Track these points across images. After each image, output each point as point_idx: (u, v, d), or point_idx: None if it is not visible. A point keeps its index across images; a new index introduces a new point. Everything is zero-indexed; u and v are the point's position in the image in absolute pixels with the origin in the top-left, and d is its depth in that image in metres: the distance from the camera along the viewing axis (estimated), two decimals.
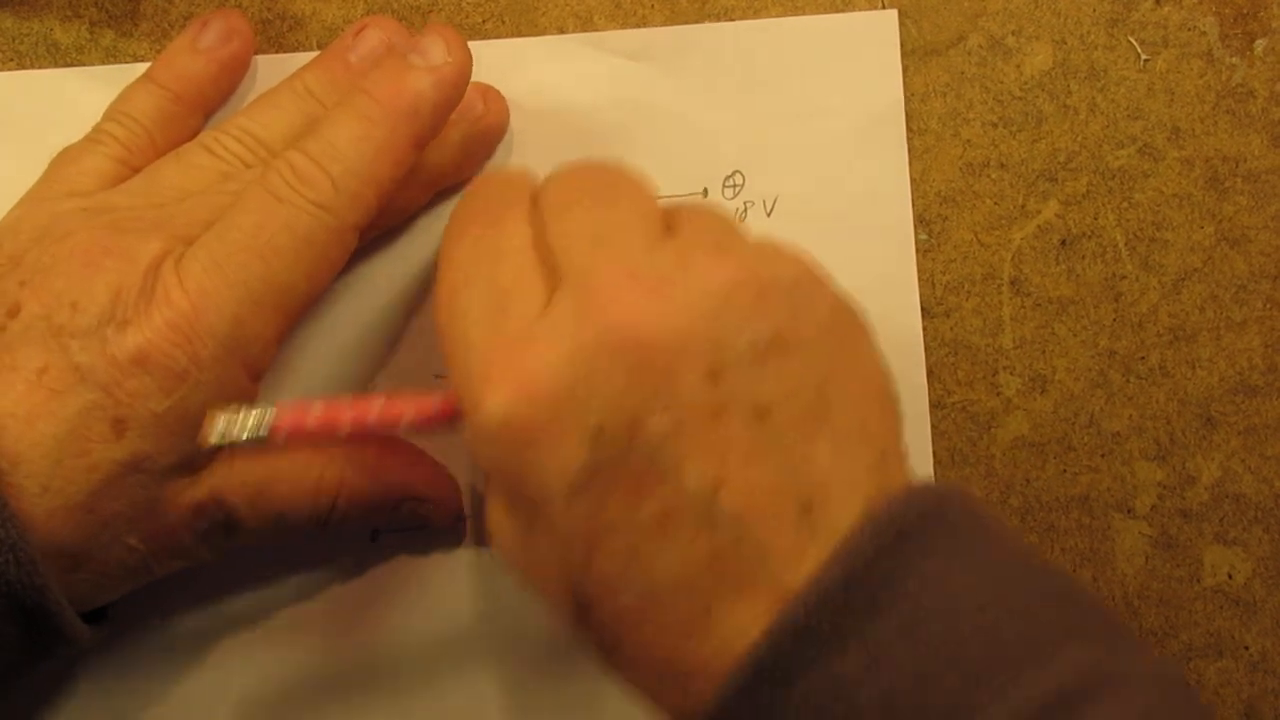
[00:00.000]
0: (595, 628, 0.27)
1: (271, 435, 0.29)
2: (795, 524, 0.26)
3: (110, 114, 0.34)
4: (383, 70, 0.32)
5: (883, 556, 0.25)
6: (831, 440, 0.27)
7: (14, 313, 0.30)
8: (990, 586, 0.26)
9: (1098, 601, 0.33)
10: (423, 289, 0.36)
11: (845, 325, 0.29)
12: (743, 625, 0.26)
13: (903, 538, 0.26)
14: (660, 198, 0.36)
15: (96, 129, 0.34)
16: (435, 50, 0.32)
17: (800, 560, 0.26)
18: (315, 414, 0.29)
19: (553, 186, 0.30)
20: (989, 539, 0.27)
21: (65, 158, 0.34)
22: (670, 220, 0.29)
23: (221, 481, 0.31)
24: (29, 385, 0.29)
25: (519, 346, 0.27)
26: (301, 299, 0.31)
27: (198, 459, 0.31)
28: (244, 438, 0.29)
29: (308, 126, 0.33)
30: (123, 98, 0.34)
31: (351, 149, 0.31)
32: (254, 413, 0.29)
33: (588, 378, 0.26)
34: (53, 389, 0.29)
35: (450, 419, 0.30)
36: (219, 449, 0.30)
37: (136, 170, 0.33)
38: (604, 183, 0.30)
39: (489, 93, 0.35)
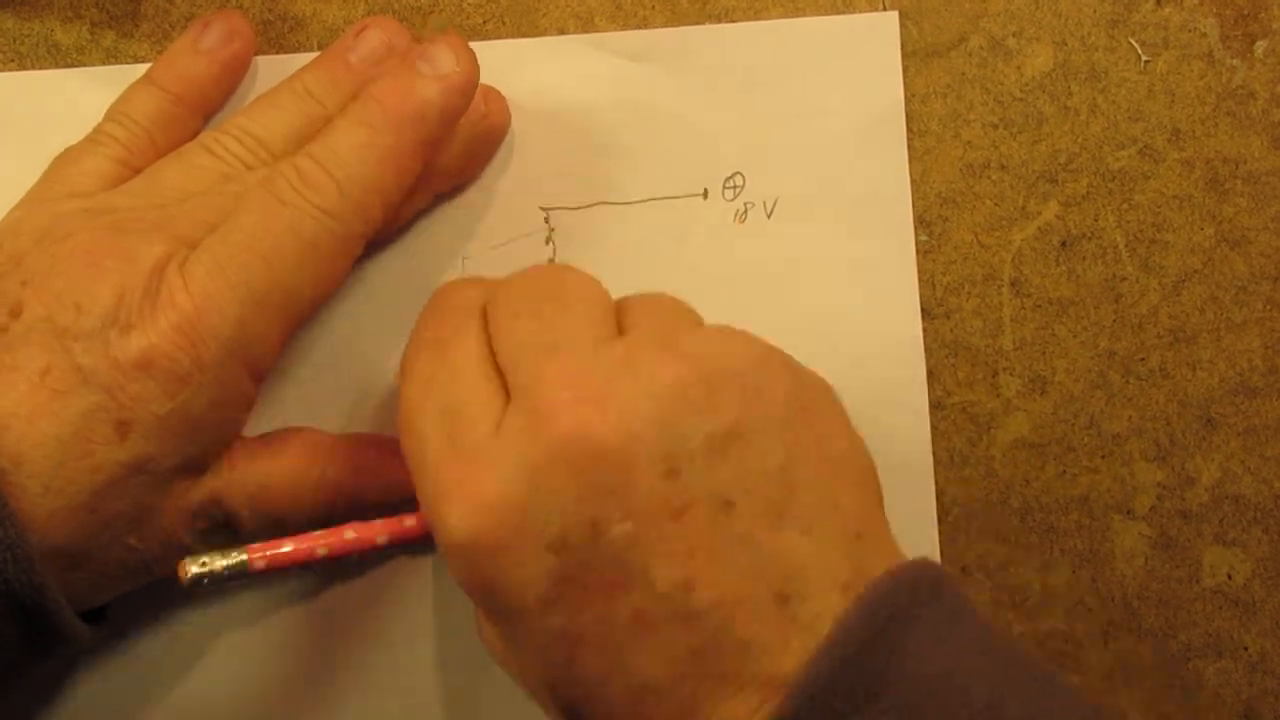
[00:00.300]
0: None
1: (247, 569, 0.29)
2: (775, 615, 0.26)
3: (111, 115, 0.34)
4: (390, 78, 0.32)
5: (876, 643, 0.25)
6: (800, 526, 0.27)
7: (16, 313, 0.29)
8: (982, 670, 0.26)
9: (1081, 692, 0.33)
10: (421, 291, 0.36)
11: (806, 405, 0.29)
12: None
13: (892, 622, 0.26)
14: (658, 199, 0.37)
15: (97, 130, 0.34)
16: (443, 59, 0.32)
17: (785, 652, 0.26)
18: (285, 552, 0.30)
19: (502, 296, 0.30)
20: (971, 621, 0.27)
21: (66, 158, 0.34)
22: (622, 315, 0.30)
23: (222, 483, 0.31)
24: (31, 386, 0.29)
25: (472, 465, 0.27)
26: (305, 303, 0.31)
27: (200, 461, 0.31)
28: (223, 573, 0.29)
29: (308, 127, 0.33)
30: (123, 99, 0.34)
31: (357, 156, 0.31)
32: (227, 560, 0.29)
33: (542, 491, 0.26)
34: (55, 390, 0.29)
35: (425, 534, 0.30)
36: (199, 581, 0.29)
37: (137, 171, 0.33)
38: (552, 287, 0.30)
39: (490, 94, 0.35)
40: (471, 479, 0.27)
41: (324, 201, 0.31)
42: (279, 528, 0.32)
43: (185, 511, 0.31)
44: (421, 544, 0.31)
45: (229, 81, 0.35)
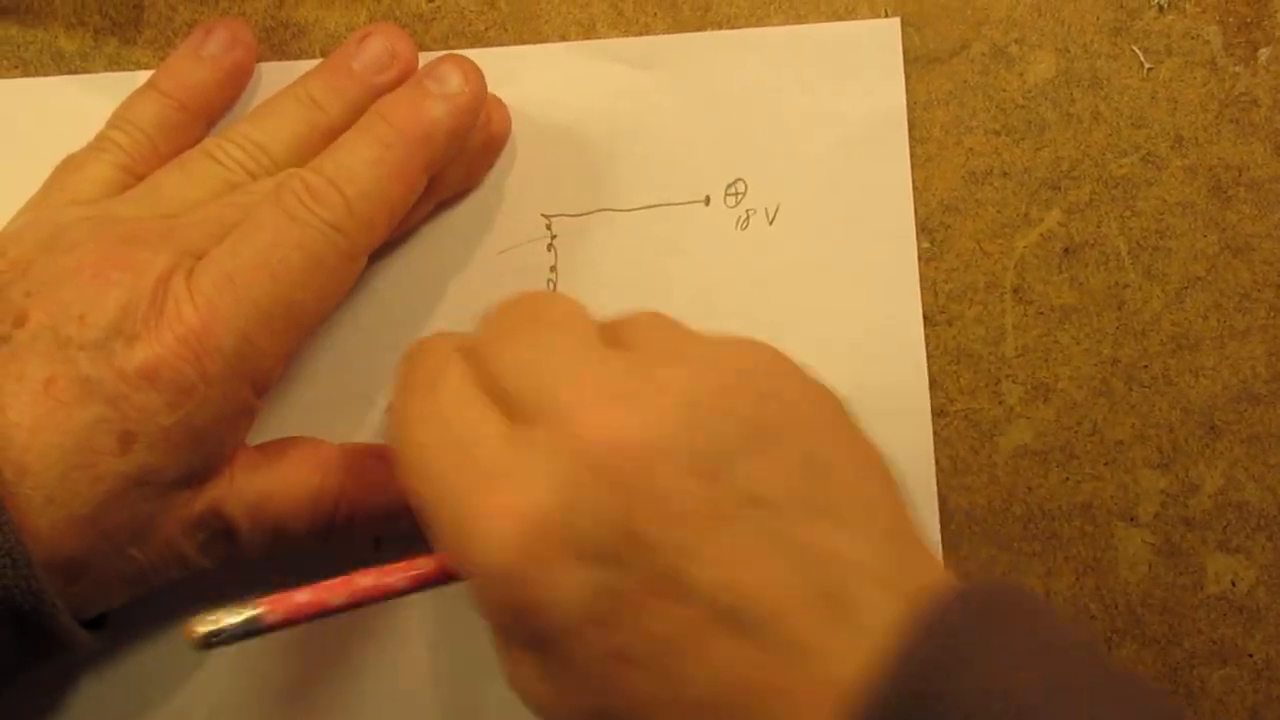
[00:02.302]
0: None
1: (261, 626, 0.28)
2: (826, 617, 0.25)
3: (114, 121, 0.34)
4: (399, 96, 0.32)
5: (941, 661, 0.24)
6: (840, 523, 0.26)
7: (21, 322, 0.29)
8: (1053, 681, 0.24)
9: (1161, 695, 0.31)
10: (423, 299, 0.36)
11: (820, 405, 0.28)
12: None
13: (956, 639, 0.24)
14: (660, 205, 0.37)
15: (100, 136, 0.34)
16: (452, 78, 0.33)
17: (839, 657, 0.24)
18: (301, 603, 0.29)
19: (487, 326, 0.30)
20: (1041, 628, 0.25)
21: (69, 165, 0.34)
22: (614, 335, 0.29)
23: (222, 494, 0.31)
24: (35, 396, 0.29)
25: (495, 484, 0.26)
26: (310, 318, 0.31)
27: (202, 472, 0.31)
28: (236, 628, 0.28)
29: (311, 133, 0.33)
30: (126, 105, 0.34)
31: (367, 172, 0.31)
32: (240, 618, 0.28)
33: (575, 501, 0.25)
34: (59, 400, 0.29)
35: (443, 577, 0.29)
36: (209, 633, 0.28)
37: (140, 178, 0.33)
38: (537, 309, 0.29)
39: (491, 101, 0.35)
40: (499, 497, 0.26)
41: (332, 217, 0.31)
42: (278, 538, 0.32)
43: (186, 522, 0.31)
44: (439, 584, 0.29)
45: (232, 88, 0.35)
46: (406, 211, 0.32)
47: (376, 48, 0.34)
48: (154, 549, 0.31)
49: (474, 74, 0.33)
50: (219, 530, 0.32)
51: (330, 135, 0.33)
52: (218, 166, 0.33)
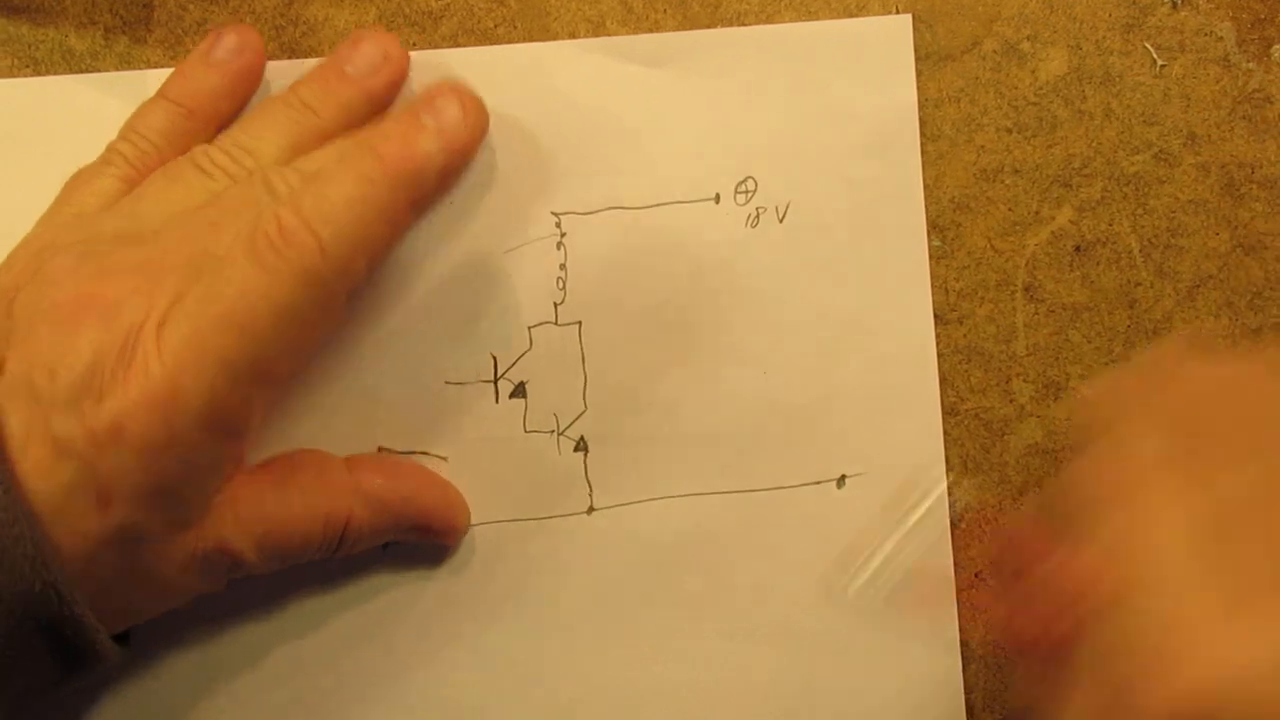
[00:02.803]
0: None
1: None
2: None
3: (123, 133, 0.34)
4: (391, 128, 0.31)
5: None
6: None
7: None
8: None
9: None
10: (430, 297, 0.36)
11: None
12: None
13: None
14: (670, 204, 0.37)
15: (108, 148, 0.34)
16: (449, 110, 0.32)
17: None
18: None
19: (1193, 429, 0.27)
20: None
21: (78, 179, 0.33)
22: None
23: (227, 530, 0.31)
24: (17, 449, 0.28)
25: (1241, 622, 0.23)
26: (284, 370, 0.30)
27: (191, 518, 0.30)
28: None
29: (301, 137, 0.33)
30: (136, 115, 0.34)
31: (347, 211, 0.29)
32: None
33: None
34: (37, 459, 0.28)
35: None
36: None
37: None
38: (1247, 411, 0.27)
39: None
40: (1234, 640, 0.23)
41: (305, 263, 0.29)
42: (286, 560, 0.32)
43: (186, 561, 0.30)
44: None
45: (241, 93, 0.35)
46: (389, 250, 0.31)
47: (369, 50, 0.34)
48: (155, 588, 0.30)
49: (473, 106, 0.32)
50: (225, 563, 0.31)
51: (321, 138, 0.33)
52: (202, 176, 0.32)
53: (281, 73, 0.36)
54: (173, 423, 0.28)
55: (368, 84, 0.34)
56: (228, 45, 0.35)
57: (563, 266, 0.36)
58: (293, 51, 0.36)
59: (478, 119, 0.32)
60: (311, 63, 0.35)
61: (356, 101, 0.33)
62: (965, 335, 0.37)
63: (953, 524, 0.37)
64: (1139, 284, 0.37)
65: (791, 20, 0.37)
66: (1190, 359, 0.29)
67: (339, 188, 0.30)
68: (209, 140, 0.34)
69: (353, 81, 0.34)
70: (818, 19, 0.37)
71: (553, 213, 0.36)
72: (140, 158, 0.33)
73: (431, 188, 0.31)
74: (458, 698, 0.37)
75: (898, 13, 0.37)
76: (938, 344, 0.37)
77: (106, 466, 0.28)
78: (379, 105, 0.34)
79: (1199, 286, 0.37)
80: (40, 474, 0.28)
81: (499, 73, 0.36)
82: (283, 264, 0.29)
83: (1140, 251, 0.37)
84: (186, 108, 0.34)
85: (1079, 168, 0.37)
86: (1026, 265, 0.37)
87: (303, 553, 0.32)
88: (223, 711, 0.36)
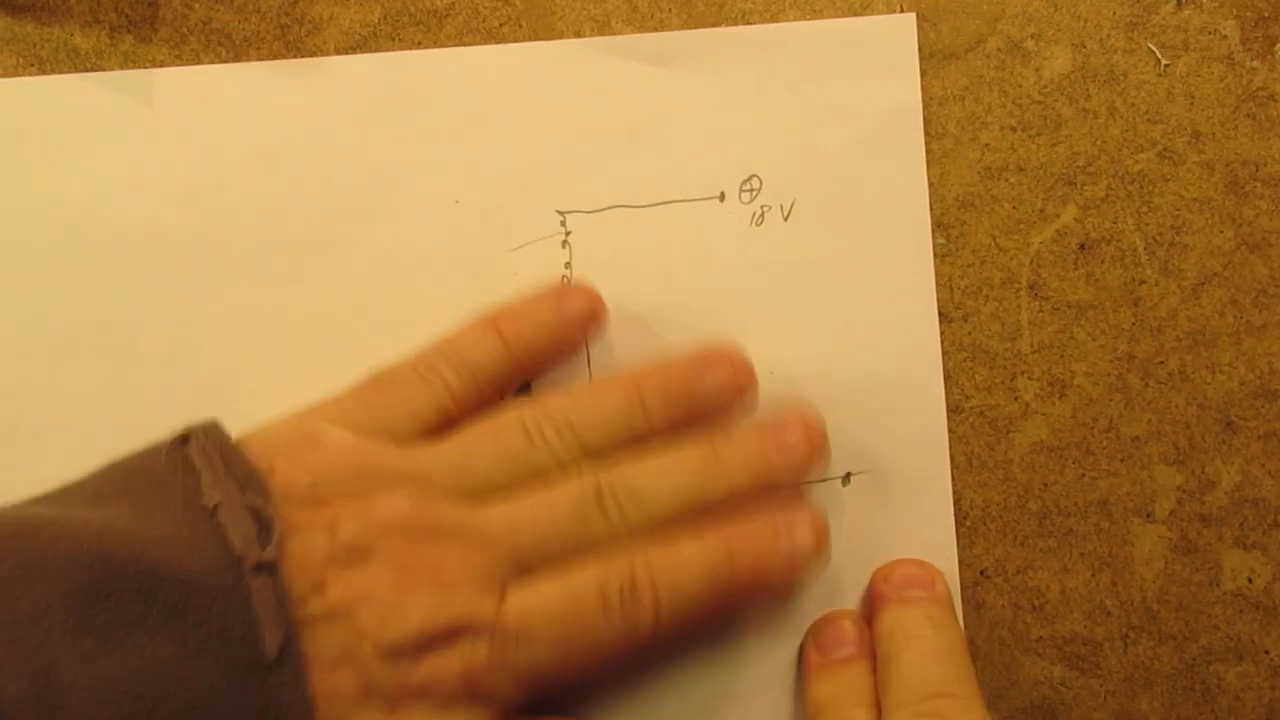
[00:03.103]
0: None
1: None
2: None
3: (447, 352, 0.33)
4: (753, 535, 0.32)
5: None
6: None
7: (320, 589, 0.29)
8: None
9: None
10: (437, 296, 0.36)
11: None
12: None
13: None
14: (674, 202, 0.37)
15: (430, 364, 0.33)
16: (802, 532, 0.32)
17: None
18: None
19: None
20: None
21: (388, 382, 0.33)
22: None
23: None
24: (320, 675, 0.28)
25: None
26: (574, 679, 0.31)
27: None
28: None
29: (630, 436, 0.32)
30: (464, 339, 0.33)
31: (689, 599, 0.31)
32: None
33: None
34: (338, 686, 0.28)
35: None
36: None
37: (451, 420, 0.33)
38: None
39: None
40: None
41: (638, 624, 0.31)
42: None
43: None
44: None
45: (570, 356, 0.35)
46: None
47: (723, 379, 0.33)
48: None
49: (823, 533, 0.33)
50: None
51: (644, 440, 0.33)
52: (528, 444, 0.32)
53: (289, 70, 0.36)
54: (476, 694, 0.29)
55: (710, 404, 0.33)
56: (576, 308, 0.34)
57: (568, 265, 0.37)
58: (297, 50, 0.36)
59: (820, 541, 0.33)
60: (319, 61, 0.35)
61: (692, 416, 0.33)
62: (970, 333, 0.37)
63: (957, 522, 0.37)
64: (1143, 282, 0.37)
65: (796, 19, 0.37)
66: None
67: (691, 577, 0.31)
68: (527, 379, 0.34)
69: (696, 403, 0.33)
70: (822, 17, 0.37)
71: (558, 211, 0.37)
72: (463, 392, 0.33)
73: (752, 594, 0.33)
74: None
75: (902, 11, 0.37)
76: (942, 342, 0.37)
77: (404, 712, 0.29)
78: (710, 421, 0.34)
79: (1203, 284, 0.37)
80: (340, 699, 0.28)
81: (504, 72, 0.36)
82: (619, 617, 0.30)
83: (1145, 249, 0.37)
84: (515, 357, 0.33)
85: (1083, 166, 0.37)
86: (1031, 263, 0.37)
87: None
88: None
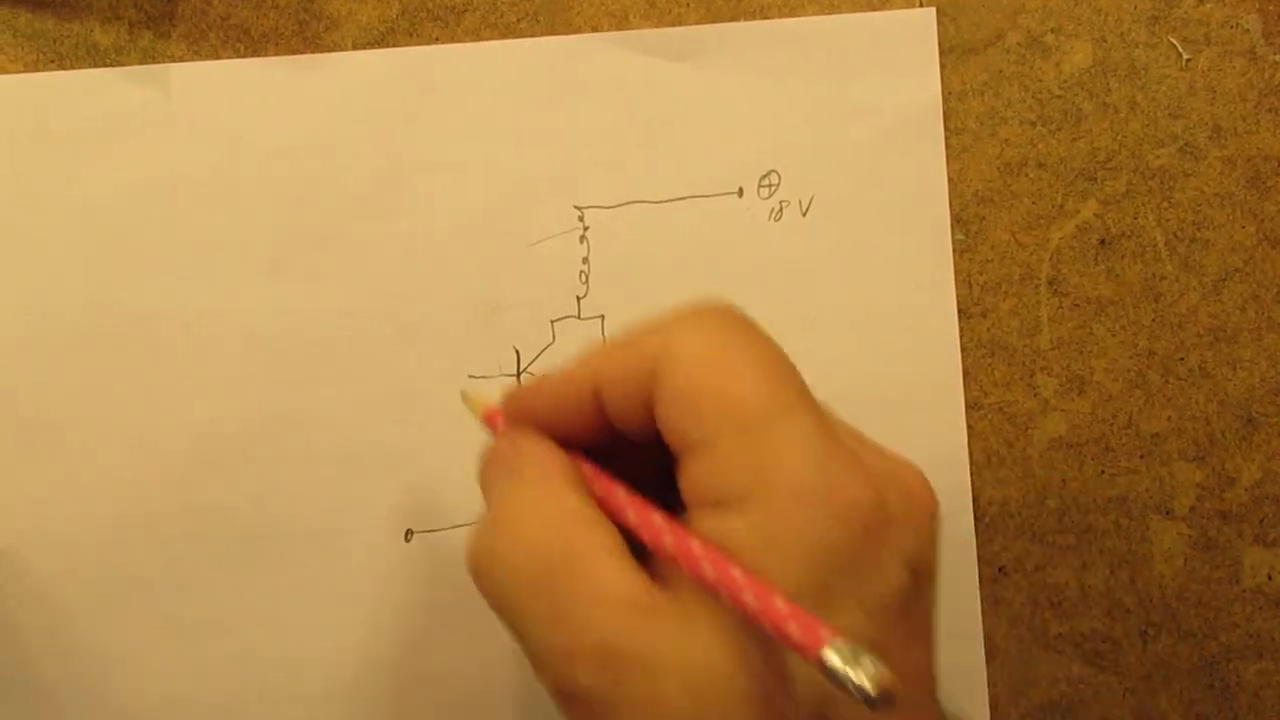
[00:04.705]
0: None
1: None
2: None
3: None
4: None
5: None
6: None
7: None
8: None
9: None
10: (455, 291, 0.36)
11: None
12: None
13: None
14: (693, 197, 0.37)
15: None
16: None
17: None
18: None
19: None
20: None
21: None
22: None
23: None
24: None
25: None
26: None
27: None
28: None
29: None
30: None
31: None
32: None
33: None
34: None
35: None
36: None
37: None
38: None
39: None
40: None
41: None
42: None
43: None
44: None
45: None
46: None
47: None
48: None
49: None
50: None
51: None
52: None
53: (306, 66, 0.36)
54: None
55: None
56: None
57: (585, 260, 0.37)
58: (315, 46, 0.36)
59: None
60: (337, 57, 0.35)
61: None
62: (989, 329, 0.37)
63: (975, 518, 0.37)
64: (1164, 278, 0.37)
65: (815, 14, 0.37)
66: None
67: None
68: None
69: None
70: (841, 12, 0.37)
71: (576, 206, 0.37)
72: None
73: None
74: (487, 686, 0.37)
75: (921, 6, 0.37)
76: (961, 338, 0.37)
77: None
78: None
79: (1224, 280, 0.37)
80: None
81: (521, 67, 0.36)
82: None
83: (1165, 245, 0.37)
84: None
85: (1104, 161, 0.37)
86: (1051, 259, 0.37)
87: None
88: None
